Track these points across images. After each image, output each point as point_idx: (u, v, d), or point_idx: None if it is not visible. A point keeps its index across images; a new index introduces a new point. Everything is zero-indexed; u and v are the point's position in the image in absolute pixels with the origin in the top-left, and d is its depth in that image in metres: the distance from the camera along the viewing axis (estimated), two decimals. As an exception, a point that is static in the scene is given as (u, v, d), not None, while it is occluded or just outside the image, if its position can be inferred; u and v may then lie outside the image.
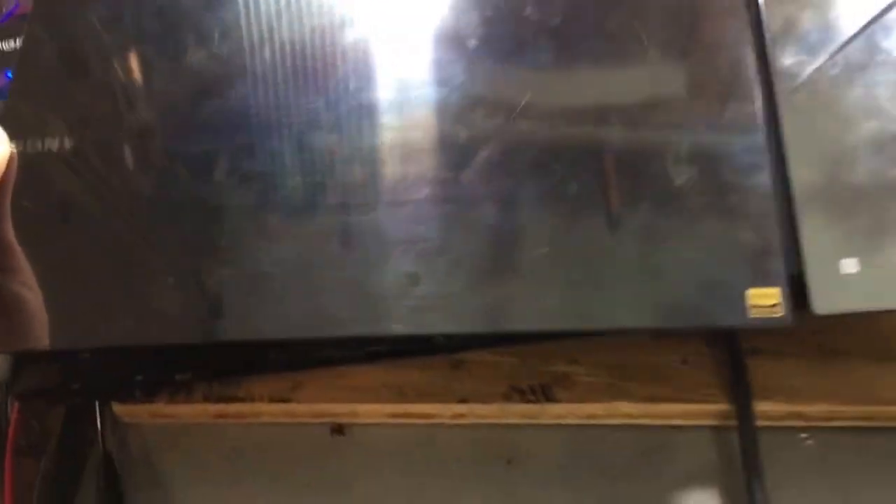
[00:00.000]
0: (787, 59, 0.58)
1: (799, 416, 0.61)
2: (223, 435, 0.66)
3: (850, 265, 0.54)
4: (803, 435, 0.62)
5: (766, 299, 0.50)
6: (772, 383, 0.61)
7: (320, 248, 0.51)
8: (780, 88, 0.57)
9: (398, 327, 0.50)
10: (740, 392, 0.60)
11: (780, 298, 0.50)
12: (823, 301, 0.53)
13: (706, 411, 0.62)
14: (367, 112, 0.54)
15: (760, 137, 0.53)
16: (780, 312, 0.50)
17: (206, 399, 0.64)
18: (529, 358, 0.64)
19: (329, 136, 0.54)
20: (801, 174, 0.55)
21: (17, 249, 0.47)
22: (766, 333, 0.64)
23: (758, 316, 0.50)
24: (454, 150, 0.53)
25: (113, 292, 0.52)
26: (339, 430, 0.65)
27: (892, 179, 0.55)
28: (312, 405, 0.64)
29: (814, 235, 0.54)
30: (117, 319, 0.51)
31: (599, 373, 0.63)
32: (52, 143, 0.55)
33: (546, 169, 0.52)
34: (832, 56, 0.58)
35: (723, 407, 0.61)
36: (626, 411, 0.62)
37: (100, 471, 0.63)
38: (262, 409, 0.65)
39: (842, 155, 0.56)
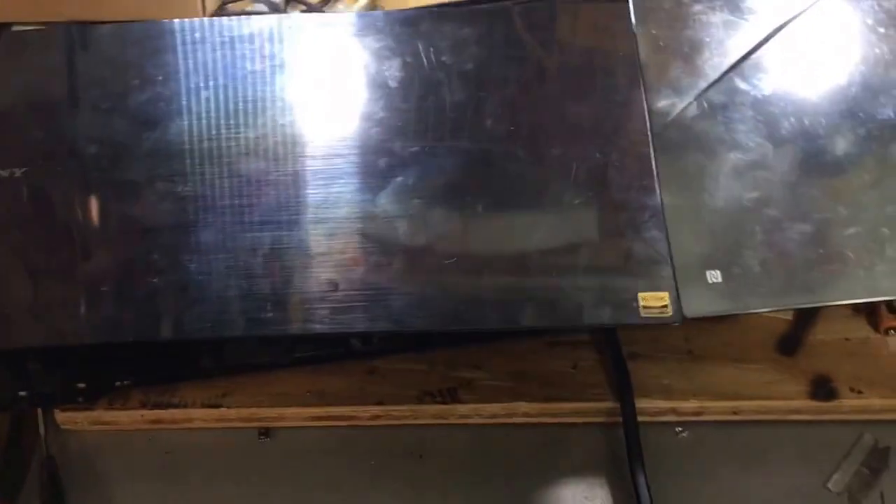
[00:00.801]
0: (660, 101, 0.67)
1: (674, 411, 0.70)
2: (158, 439, 0.71)
3: (714, 275, 0.63)
4: (678, 428, 0.70)
5: (656, 301, 0.58)
6: (650, 383, 0.70)
7: (249, 259, 0.58)
8: (654, 126, 0.66)
9: (319, 327, 0.56)
10: (623, 391, 0.68)
11: (669, 301, 0.58)
12: (693, 307, 0.62)
13: (595, 409, 0.70)
14: (293, 143, 0.62)
15: (651, 164, 0.62)
16: (669, 312, 0.58)
17: (143, 405, 0.70)
18: (437, 365, 0.71)
19: (258, 164, 0.61)
20: (672, 199, 0.64)
21: None
22: (650, 334, 0.72)
23: (649, 315, 0.57)
24: (374, 175, 0.61)
25: (55, 298, 0.59)
26: (266, 433, 0.71)
27: (749, 202, 0.64)
28: (242, 410, 0.70)
29: (683, 251, 0.63)
30: (60, 322, 0.58)
31: (500, 377, 0.71)
32: (4, 173, 0.61)
33: (455, 191, 0.60)
34: (697, 97, 0.67)
35: (609, 405, 0.69)
36: (524, 411, 0.70)
37: (43, 474, 0.68)
38: (194, 415, 0.70)
39: (706, 182, 0.65)
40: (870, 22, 0.69)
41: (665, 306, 0.58)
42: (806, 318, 0.73)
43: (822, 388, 0.69)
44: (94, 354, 0.65)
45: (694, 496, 0.67)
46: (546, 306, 0.57)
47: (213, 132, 0.62)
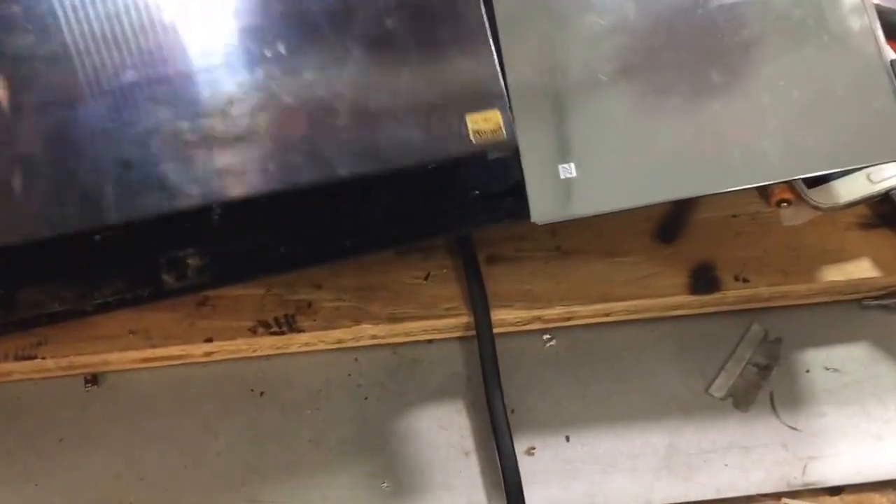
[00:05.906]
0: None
1: (539, 319, 0.62)
2: (-27, 399, 0.64)
3: (567, 170, 0.54)
4: (546, 336, 0.63)
5: (486, 123, 0.50)
6: (512, 291, 0.62)
7: (35, 148, 0.50)
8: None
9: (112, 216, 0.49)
10: (476, 304, 0.60)
11: (501, 120, 0.50)
12: (542, 209, 0.53)
13: (450, 325, 0.62)
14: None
15: None
16: (502, 136, 0.50)
17: (-52, 366, 0.62)
18: (274, 287, 0.63)
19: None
20: (517, 80, 0.54)
21: None
22: (512, 231, 0.63)
23: (481, 140, 0.50)
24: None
25: None
26: (93, 380, 0.64)
27: (607, 76, 0.54)
28: (61, 359, 0.63)
29: (531, 141, 0.53)
30: None
31: (344, 297, 0.62)
32: None
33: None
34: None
35: (466, 319, 0.61)
36: (372, 333, 0.62)
37: None
38: (9, 369, 0.63)
39: (557, 54, 0.55)
40: None
41: (497, 129, 0.50)
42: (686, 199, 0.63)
43: (704, 279, 0.61)
44: None
45: (564, 412, 0.60)
46: (363, 151, 0.50)
47: None
